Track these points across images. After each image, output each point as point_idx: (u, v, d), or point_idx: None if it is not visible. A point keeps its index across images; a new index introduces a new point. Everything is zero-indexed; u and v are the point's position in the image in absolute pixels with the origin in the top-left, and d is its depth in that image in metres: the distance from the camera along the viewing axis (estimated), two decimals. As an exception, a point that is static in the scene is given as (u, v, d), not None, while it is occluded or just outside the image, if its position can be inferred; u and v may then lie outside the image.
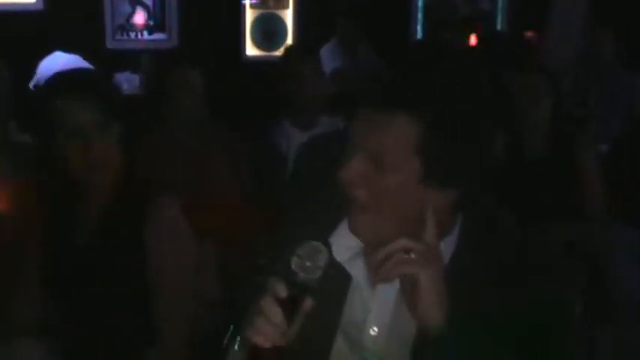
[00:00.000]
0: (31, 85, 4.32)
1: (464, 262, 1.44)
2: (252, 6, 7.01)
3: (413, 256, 1.33)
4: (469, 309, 1.35)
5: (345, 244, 1.51)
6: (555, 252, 1.64)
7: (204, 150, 3.23)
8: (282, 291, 1.32)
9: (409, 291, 1.35)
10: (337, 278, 1.49)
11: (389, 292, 1.47)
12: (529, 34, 6.20)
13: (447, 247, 1.46)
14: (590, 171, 3.15)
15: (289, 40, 6.97)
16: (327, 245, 1.44)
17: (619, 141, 3.53)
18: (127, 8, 6.99)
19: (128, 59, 6.25)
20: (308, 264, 1.33)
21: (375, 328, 1.49)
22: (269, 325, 1.32)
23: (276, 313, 1.32)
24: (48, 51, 4.92)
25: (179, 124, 3.21)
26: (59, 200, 2.14)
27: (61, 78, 2.14)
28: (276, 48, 6.94)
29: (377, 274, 1.36)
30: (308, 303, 1.33)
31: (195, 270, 2.17)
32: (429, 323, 1.32)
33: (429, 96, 1.36)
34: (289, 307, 1.32)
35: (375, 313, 1.50)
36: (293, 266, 1.33)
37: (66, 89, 2.04)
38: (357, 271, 1.52)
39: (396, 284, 1.44)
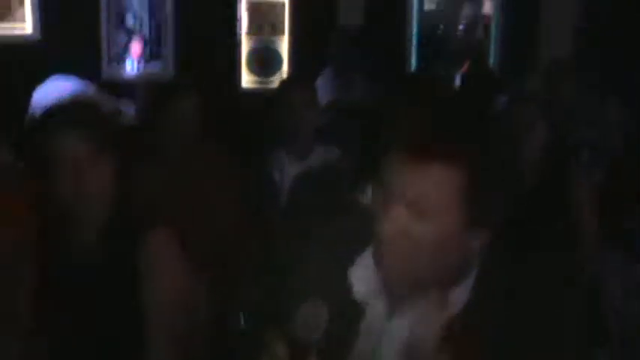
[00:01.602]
0: (28, 113, 4.32)
1: (480, 306, 1.45)
2: (248, 35, 7.05)
3: None
4: (485, 349, 1.36)
5: (364, 279, 1.51)
6: (558, 284, 1.66)
7: (198, 179, 3.23)
8: (285, 356, 1.32)
9: None
10: (353, 311, 1.50)
11: (403, 326, 1.47)
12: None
13: (463, 291, 1.47)
14: (584, 199, 3.16)
15: (285, 69, 7.01)
16: (347, 278, 1.48)
17: (612, 168, 3.54)
18: (124, 37, 7.02)
19: (124, 88, 6.27)
20: (309, 323, 1.33)
21: None
22: None
23: None
24: (44, 79, 4.94)
25: (173, 153, 3.21)
26: (51, 229, 2.12)
27: (56, 107, 2.13)
28: (272, 77, 6.98)
29: None
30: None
31: (188, 301, 2.15)
32: None
33: (469, 146, 1.41)
34: None
35: (386, 346, 1.49)
36: (295, 327, 1.33)
37: (58, 118, 2.03)
38: (375, 305, 1.51)
39: (409, 318, 1.44)
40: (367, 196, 3.24)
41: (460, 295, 1.45)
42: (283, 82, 3.70)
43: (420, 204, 1.37)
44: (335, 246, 1.57)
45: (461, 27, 7.10)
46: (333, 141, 3.70)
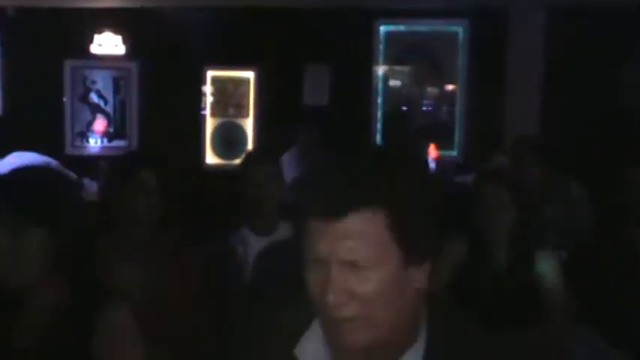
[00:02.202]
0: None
1: None
2: (212, 114, 7.04)
3: None
4: None
5: (314, 356, 1.44)
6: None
7: (158, 254, 3.14)
8: None
9: None
10: None
11: None
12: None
13: (414, 358, 1.39)
14: (552, 280, 3.12)
15: (249, 149, 6.98)
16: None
17: (578, 248, 3.53)
18: (88, 115, 7.00)
19: (87, 165, 6.20)
20: None
21: None
22: None
23: None
24: (7, 155, 4.89)
25: (133, 226, 3.12)
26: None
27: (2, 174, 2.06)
28: (236, 156, 6.96)
29: None
30: None
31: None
32: None
33: (386, 184, 1.33)
34: None
35: None
36: None
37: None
38: None
39: None
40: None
41: None
42: (248, 157, 3.65)
43: (356, 260, 1.30)
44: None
45: (421, 107, 7.17)
46: (298, 218, 3.64)
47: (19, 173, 2.15)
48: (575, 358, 2.77)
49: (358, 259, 1.30)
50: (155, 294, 2.91)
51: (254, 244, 3.38)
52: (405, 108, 7.18)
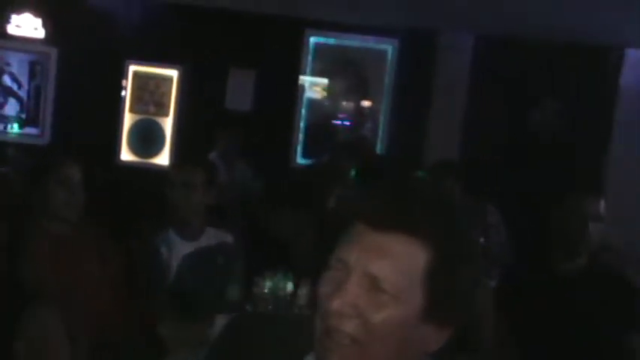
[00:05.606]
0: None
1: None
2: (131, 110, 6.84)
3: None
4: None
5: None
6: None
7: (79, 250, 3.03)
8: None
9: None
10: None
11: None
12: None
13: None
14: (484, 307, 3.11)
15: (166, 149, 6.81)
16: None
17: (505, 276, 3.54)
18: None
19: (-5, 150, 5.94)
20: None
21: None
22: None
23: None
24: None
25: (55, 221, 3.00)
26: None
27: None
28: (152, 155, 6.78)
29: None
30: None
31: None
32: None
33: (440, 221, 1.24)
34: None
35: None
36: None
37: None
38: None
39: None
40: (260, 283, 3.13)
41: None
42: (180, 161, 3.57)
43: (378, 280, 1.20)
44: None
45: (345, 122, 7.13)
46: (223, 223, 3.57)
47: None
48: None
49: (383, 278, 1.20)
50: (76, 291, 2.80)
51: (179, 248, 3.31)
52: (325, 121, 7.12)
